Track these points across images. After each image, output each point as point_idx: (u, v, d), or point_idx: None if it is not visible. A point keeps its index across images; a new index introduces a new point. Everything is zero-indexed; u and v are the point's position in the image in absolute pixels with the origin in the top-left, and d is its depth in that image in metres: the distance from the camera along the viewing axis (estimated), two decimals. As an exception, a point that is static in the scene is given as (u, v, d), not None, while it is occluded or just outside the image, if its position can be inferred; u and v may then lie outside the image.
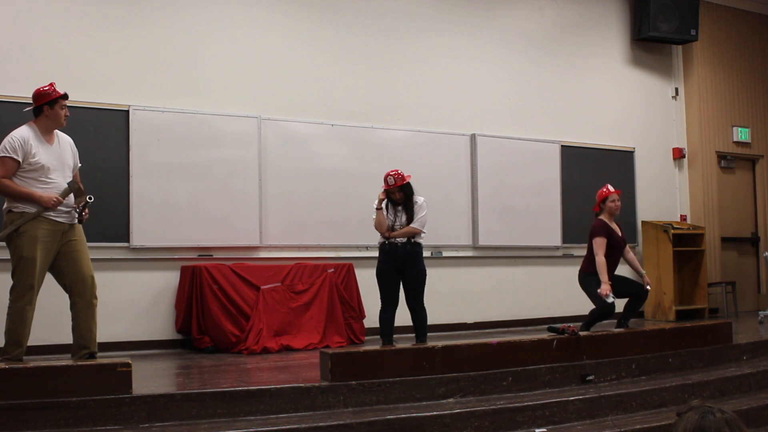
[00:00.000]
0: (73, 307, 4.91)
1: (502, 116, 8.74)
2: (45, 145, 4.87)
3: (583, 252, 6.80)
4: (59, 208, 4.81)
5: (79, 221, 4.97)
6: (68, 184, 4.87)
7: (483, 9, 8.76)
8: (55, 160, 4.90)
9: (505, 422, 4.48)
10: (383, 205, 6.09)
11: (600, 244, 6.46)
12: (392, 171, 6.05)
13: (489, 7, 8.82)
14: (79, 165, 5.18)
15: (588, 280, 6.51)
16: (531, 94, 9.00)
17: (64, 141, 5.05)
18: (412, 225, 6.03)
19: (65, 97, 4.95)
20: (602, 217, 6.75)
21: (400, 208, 6.10)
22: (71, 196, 4.90)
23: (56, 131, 5.01)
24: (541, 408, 4.64)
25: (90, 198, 4.94)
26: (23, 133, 4.82)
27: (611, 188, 6.80)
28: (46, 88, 4.92)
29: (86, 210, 4.96)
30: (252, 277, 6.66)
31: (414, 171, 6.42)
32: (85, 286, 4.90)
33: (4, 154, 4.74)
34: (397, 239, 6.04)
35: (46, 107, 4.89)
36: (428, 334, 6.22)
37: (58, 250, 4.86)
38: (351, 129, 7.76)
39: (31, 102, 4.96)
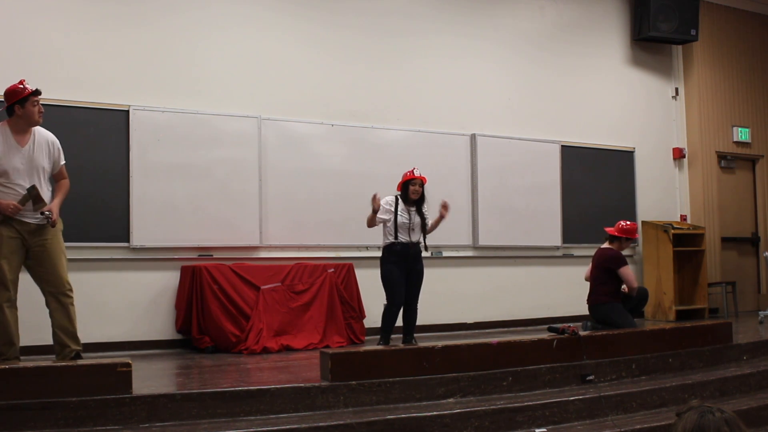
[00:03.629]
0: (48, 306, 4.90)
1: (502, 116, 8.75)
2: (14, 147, 4.79)
3: (584, 252, 6.81)
4: (23, 210, 4.75)
5: (52, 225, 4.88)
6: (27, 189, 4.78)
7: (483, 9, 8.76)
8: (23, 163, 4.81)
9: (505, 422, 4.48)
10: (392, 207, 6.29)
11: (630, 271, 6.71)
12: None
13: (489, 7, 8.82)
14: (63, 162, 5.10)
15: (606, 309, 6.58)
16: (531, 94, 9.01)
17: (41, 140, 4.94)
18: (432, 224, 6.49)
19: (37, 93, 4.85)
20: (613, 246, 6.77)
21: (413, 209, 6.32)
22: (35, 200, 4.81)
23: (37, 129, 4.93)
24: (541, 408, 4.64)
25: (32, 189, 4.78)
26: None
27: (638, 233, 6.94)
28: (17, 85, 4.83)
29: (52, 214, 4.82)
30: (252, 277, 6.66)
31: (414, 171, 6.44)
32: (52, 284, 4.87)
33: None
34: (403, 239, 6.25)
35: (17, 106, 4.79)
36: (429, 334, 6.28)
37: (28, 250, 4.82)
38: (351, 129, 7.76)
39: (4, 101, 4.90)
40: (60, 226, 5.02)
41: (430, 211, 6.47)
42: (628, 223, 6.86)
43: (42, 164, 4.93)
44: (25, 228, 4.80)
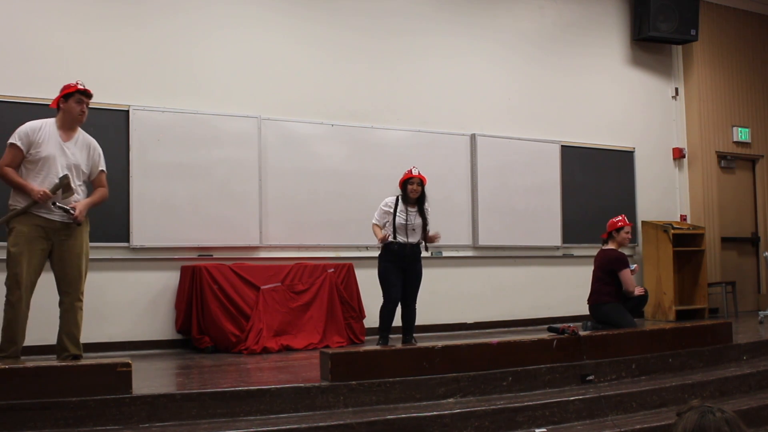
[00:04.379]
0: (60, 306, 4.91)
1: (502, 116, 8.75)
2: (57, 140, 4.85)
3: (584, 252, 6.80)
4: (50, 205, 4.76)
5: (77, 223, 4.90)
6: (59, 177, 4.80)
7: (483, 9, 8.77)
8: (63, 156, 4.86)
9: (505, 422, 4.48)
10: (391, 208, 6.33)
11: (630, 276, 6.65)
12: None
13: (489, 7, 8.82)
14: (101, 168, 5.13)
15: (606, 309, 6.57)
16: (531, 94, 9.01)
17: (83, 142, 5.02)
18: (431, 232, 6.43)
19: (85, 93, 4.95)
20: (612, 246, 6.77)
21: (413, 210, 6.30)
22: (65, 188, 4.82)
23: (82, 132, 5.01)
24: (541, 408, 4.64)
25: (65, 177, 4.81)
26: (37, 123, 4.85)
27: (627, 220, 6.89)
28: (71, 83, 4.95)
29: (74, 210, 4.82)
30: (252, 277, 6.66)
31: (414, 171, 6.45)
32: (69, 287, 4.87)
33: (11, 141, 4.79)
34: (401, 239, 6.25)
35: (61, 100, 4.91)
36: (429, 334, 6.29)
37: (51, 249, 4.83)
38: (351, 129, 7.76)
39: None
40: (87, 227, 5.03)
41: (432, 211, 6.47)
42: (616, 218, 6.90)
43: (80, 163, 4.97)
44: (51, 226, 4.80)
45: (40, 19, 6.46)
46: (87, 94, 4.98)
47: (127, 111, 6.69)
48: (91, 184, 5.16)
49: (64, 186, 4.81)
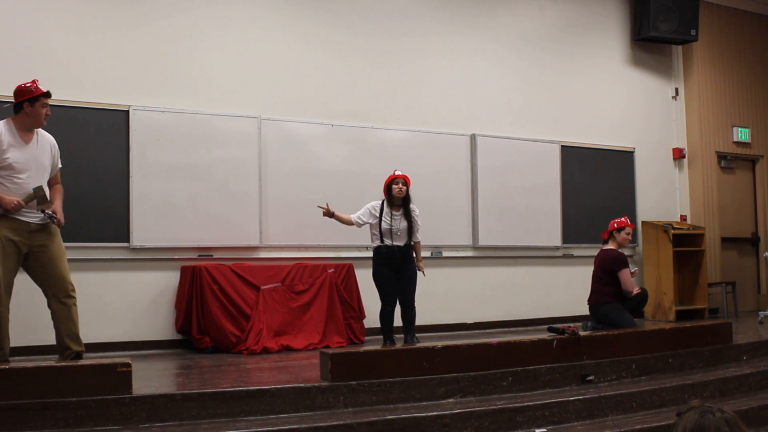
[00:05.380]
0: (49, 307, 4.86)
1: (502, 116, 8.75)
2: (20, 144, 4.78)
3: (584, 252, 6.79)
4: (25, 209, 4.72)
5: (60, 226, 4.88)
6: (33, 189, 4.75)
7: (483, 9, 8.77)
8: (28, 160, 4.79)
9: (505, 422, 4.48)
10: (376, 212, 6.32)
11: (629, 276, 6.61)
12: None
13: (489, 7, 8.82)
14: (60, 166, 5.09)
15: (606, 309, 6.56)
16: (531, 94, 9.01)
17: (43, 140, 4.94)
18: (418, 241, 6.41)
19: (47, 95, 4.86)
20: (612, 246, 6.78)
21: (398, 214, 6.27)
22: (40, 200, 4.79)
23: (40, 130, 4.93)
24: (541, 408, 4.65)
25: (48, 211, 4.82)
26: None
27: (629, 221, 6.90)
28: (29, 84, 4.84)
29: (56, 214, 4.84)
30: (252, 277, 6.66)
31: (414, 171, 6.47)
32: (55, 286, 4.83)
33: None
34: (394, 242, 6.25)
35: (26, 104, 4.79)
36: (429, 334, 6.28)
37: (27, 252, 4.78)
38: (351, 129, 7.76)
39: (12, 98, 4.90)
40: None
41: (433, 211, 6.45)
42: (620, 219, 6.91)
43: (44, 164, 4.92)
44: (26, 228, 4.76)
45: (40, 19, 6.46)
46: (49, 95, 4.89)
47: (127, 111, 6.69)
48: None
49: (39, 198, 4.77)
